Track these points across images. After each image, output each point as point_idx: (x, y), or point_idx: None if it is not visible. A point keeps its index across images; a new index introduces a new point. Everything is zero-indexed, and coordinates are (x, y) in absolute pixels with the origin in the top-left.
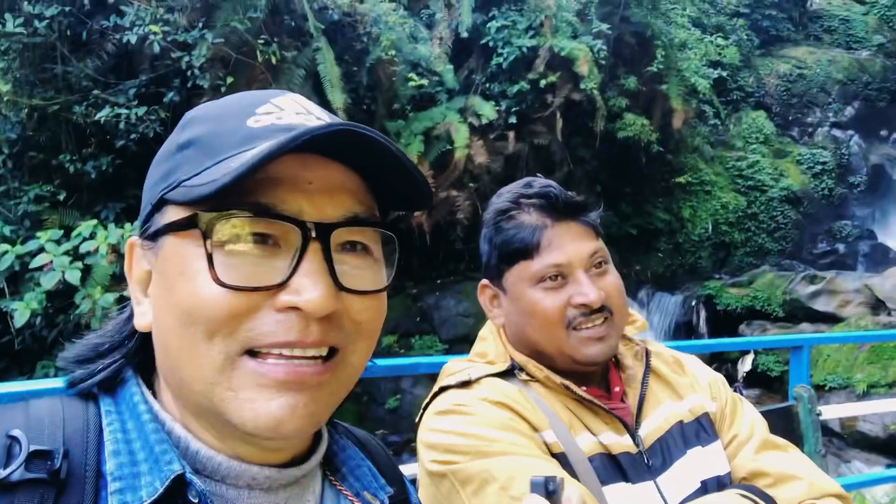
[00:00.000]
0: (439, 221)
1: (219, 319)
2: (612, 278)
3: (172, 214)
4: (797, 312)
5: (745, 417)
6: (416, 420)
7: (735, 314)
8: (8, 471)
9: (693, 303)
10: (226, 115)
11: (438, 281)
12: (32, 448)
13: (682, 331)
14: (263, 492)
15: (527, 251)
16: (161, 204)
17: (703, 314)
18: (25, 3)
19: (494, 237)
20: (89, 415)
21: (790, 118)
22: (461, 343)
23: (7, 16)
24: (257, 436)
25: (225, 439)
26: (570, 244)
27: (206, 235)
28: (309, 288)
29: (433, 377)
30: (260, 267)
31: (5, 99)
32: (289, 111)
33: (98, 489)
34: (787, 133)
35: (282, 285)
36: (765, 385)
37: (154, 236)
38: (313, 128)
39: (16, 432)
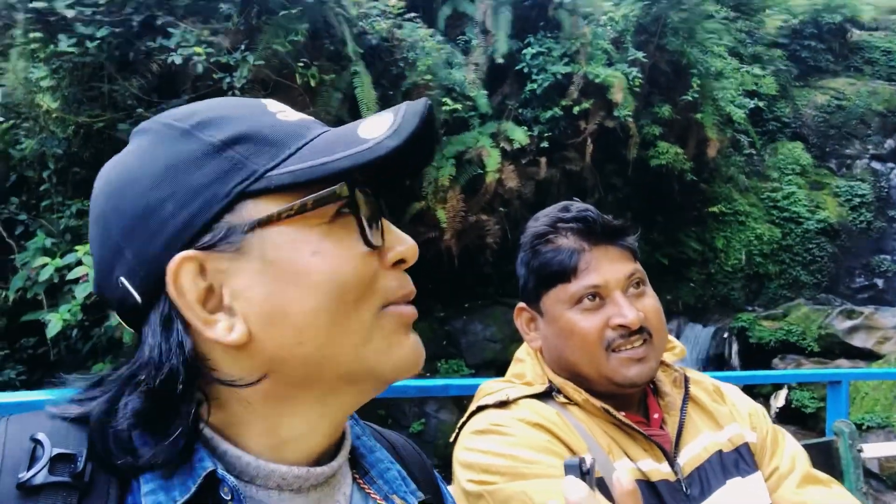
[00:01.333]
0: (468, 245)
1: (367, 281)
2: (651, 300)
3: (268, 205)
4: (834, 348)
5: (786, 450)
6: (451, 440)
7: (768, 348)
8: (30, 473)
9: (725, 335)
10: (246, 114)
11: (466, 305)
12: (55, 451)
13: (713, 363)
14: (293, 493)
15: (564, 274)
16: (233, 202)
17: (735, 347)
18: (78, 24)
19: (532, 261)
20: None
21: (828, 150)
22: (488, 368)
23: (60, 36)
24: (404, 374)
25: (324, 416)
26: (608, 266)
27: (354, 205)
28: (404, 242)
29: (459, 401)
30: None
31: (54, 116)
32: (289, 111)
33: (124, 492)
34: (825, 165)
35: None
36: (799, 422)
37: (236, 237)
38: (420, 110)
39: (39, 436)
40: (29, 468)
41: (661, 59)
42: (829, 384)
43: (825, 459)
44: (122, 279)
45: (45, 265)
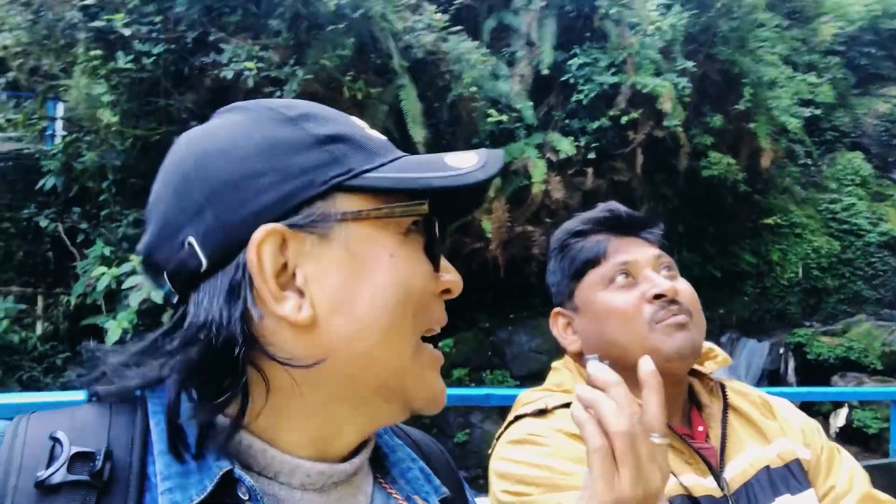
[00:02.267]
0: (514, 256)
1: (426, 297)
2: (683, 282)
3: (359, 202)
4: None
5: (843, 468)
6: (490, 451)
7: (827, 364)
8: (49, 472)
9: (781, 350)
10: (341, 119)
11: (511, 316)
12: (74, 450)
13: (768, 380)
14: (316, 492)
15: (595, 260)
16: (328, 191)
17: (791, 363)
18: (136, 42)
19: (562, 260)
20: (137, 416)
21: (890, 160)
22: (533, 380)
23: (119, 53)
24: (429, 408)
25: (354, 424)
26: (635, 248)
27: (429, 224)
28: (453, 273)
29: (504, 412)
30: None
31: (113, 129)
32: (362, 125)
33: (143, 490)
34: (887, 176)
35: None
36: (861, 443)
37: (327, 223)
38: (501, 156)
39: (59, 434)
40: (48, 467)
41: (711, 69)
42: (894, 403)
43: (889, 482)
44: (191, 239)
45: (102, 274)
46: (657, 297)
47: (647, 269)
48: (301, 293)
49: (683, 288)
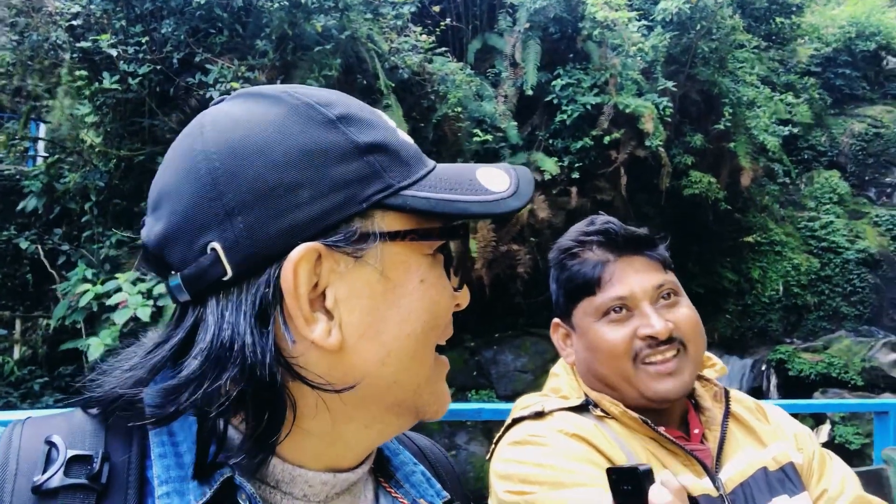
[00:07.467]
0: (499, 275)
1: (448, 319)
2: (685, 310)
3: (395, 221)
4: (878, 381)
5: (835, 472)
6: (488, 457)
7: (808, 381)
8: (46, 476)
9: (763, 367)
10: (379, 122)
11: (496, 335)
12: (71, 453)
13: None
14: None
15: (589, 286)
16: (368, 209)
17: (773, 379)
18: (122, 62)
19: (560, 275)
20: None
21: (866, 178)
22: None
23: (105, 73)
24: (437, 416)
25: (364, 440)
26: (633, 276)
27: (447, 246)
28: (466, 292)
29: (489, 434)
30: None
31: (97, 150)
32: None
33: (143, 494)
34: (863, 193)
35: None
36: (843, 459)
37: (366, 244)
38: (532, 179)
39: (54, 438)
40: (44, 471)
41: (691, 89)
42: (876, 415)
43: (875, 488)
44: (216, 245)
45: (85, 291)
46: (649, 336)
47: (645, 302)
48: (329, 315)
49: (681, 318)
